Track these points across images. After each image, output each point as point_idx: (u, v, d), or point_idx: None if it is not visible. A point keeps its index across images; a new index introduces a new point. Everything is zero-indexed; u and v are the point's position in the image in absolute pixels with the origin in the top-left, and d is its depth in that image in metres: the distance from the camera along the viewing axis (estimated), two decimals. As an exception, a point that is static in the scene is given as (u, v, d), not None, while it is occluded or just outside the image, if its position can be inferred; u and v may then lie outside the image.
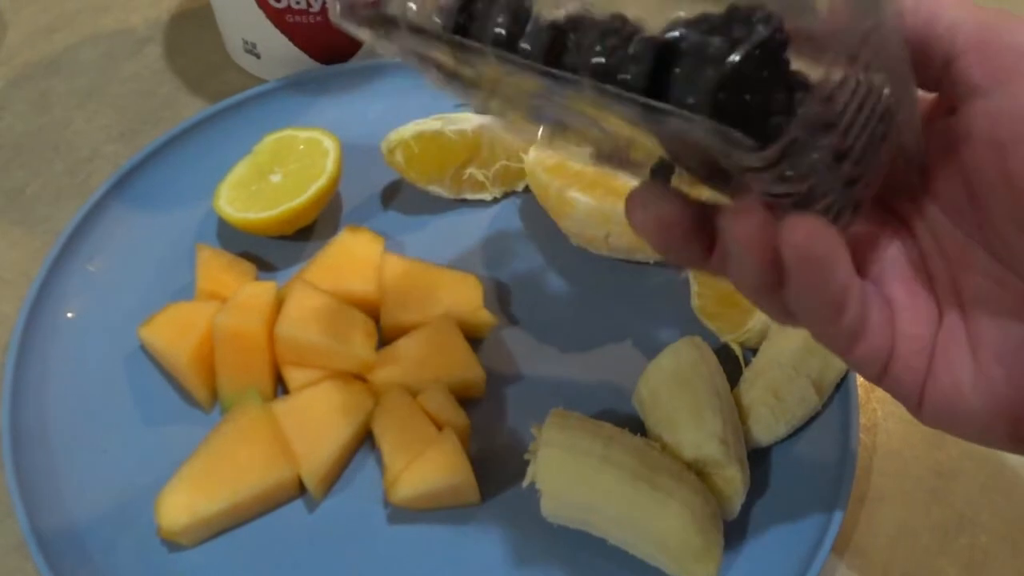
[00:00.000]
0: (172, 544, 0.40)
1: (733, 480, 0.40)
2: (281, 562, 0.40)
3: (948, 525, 0.44)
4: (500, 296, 0.48)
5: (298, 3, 0.51)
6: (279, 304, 0.45)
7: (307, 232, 0.50)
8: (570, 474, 0.39)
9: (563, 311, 0.48)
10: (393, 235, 0.50)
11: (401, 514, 0.42)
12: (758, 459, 0.44)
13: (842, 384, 0.44)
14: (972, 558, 0.43)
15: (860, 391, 0.47)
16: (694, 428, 0.41)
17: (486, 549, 0.41)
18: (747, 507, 0.42)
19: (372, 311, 0.46)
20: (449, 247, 0.50)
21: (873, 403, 0.47)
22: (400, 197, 0.52)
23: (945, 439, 0.47)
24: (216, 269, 0.47)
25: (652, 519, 0.38)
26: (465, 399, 0.44)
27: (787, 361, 0.43)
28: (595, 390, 0.46)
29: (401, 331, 0.45)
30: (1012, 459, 0.47)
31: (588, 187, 0.46)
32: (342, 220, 0.51)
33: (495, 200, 0.52)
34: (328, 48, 0.55)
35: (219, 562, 0.40)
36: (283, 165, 0.49)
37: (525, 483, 0.40)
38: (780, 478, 0.43)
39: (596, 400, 0.45)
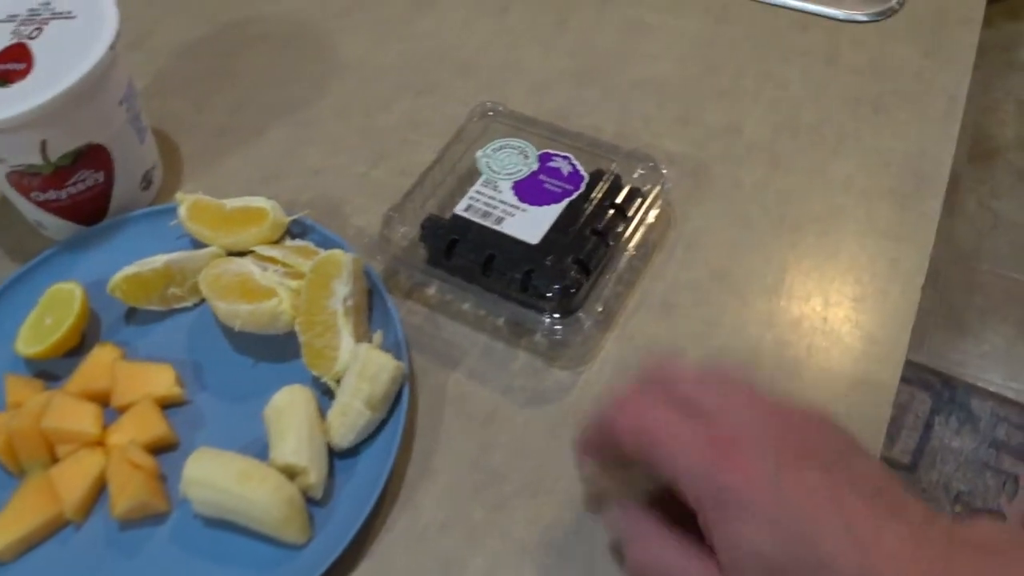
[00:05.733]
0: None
1: (308, 476, 0.63)
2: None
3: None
4: (198, 372, 0.73)
5: (47, 196, 0.76)
6: (50, 406, 0.70)
7: (80, 349, 0.75)
8: (204, 483, 0.63)
9: (237, 376, 0.72)
10: (132, 342, 0.75)
11: (127, 524, 0.66)
12: (347, 455, 0.67)
13: (399, 397, 0.67)
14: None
15: (426, 400, 0.69)
16: (280, 446, 0.64)
17: (176, 544, 0.65)
18: (337, 489, 0.65)
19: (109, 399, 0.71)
20: (169, 344, 0.74)
21: (443, 409, 0.70)
22: (136, 316, 0.76)
23: (496, 443, 0.69)
24: (17, 387, 0.73)
25: (253, 504, 0.62)
26: (164, 448, 0.69)
27: (348, 389, 0.66)
28: (257, 430, 0.69)
29: (126, 409, 0.70)
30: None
31: (224, 295, 0.70)
32: (101, 338, 0.76)
33: (196, 305, 0.76)
34: (87, 215, 0.80)
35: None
36: (52, 311, 0.74)
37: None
38: (360, 469, 0.66)
39: (259, 437, 0.68)
